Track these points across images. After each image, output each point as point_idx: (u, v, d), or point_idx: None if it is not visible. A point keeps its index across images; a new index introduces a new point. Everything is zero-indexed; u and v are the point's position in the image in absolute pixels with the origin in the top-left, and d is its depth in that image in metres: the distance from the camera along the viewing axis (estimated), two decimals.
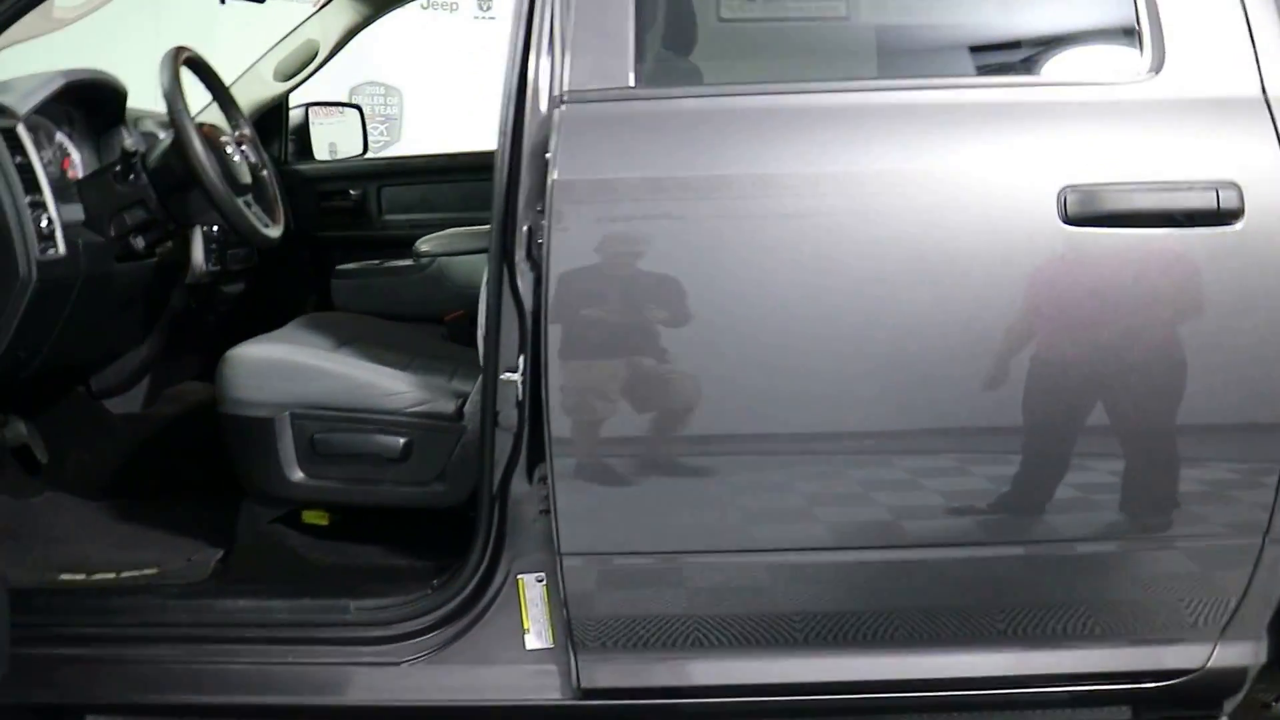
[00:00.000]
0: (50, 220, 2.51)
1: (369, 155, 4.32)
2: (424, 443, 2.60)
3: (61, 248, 2.53)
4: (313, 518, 2.78)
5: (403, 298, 3.37)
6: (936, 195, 2.05)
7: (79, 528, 2.96)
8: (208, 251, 3.16)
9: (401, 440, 2.59)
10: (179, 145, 2.59)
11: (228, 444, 2.66)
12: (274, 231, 2.83)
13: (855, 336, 2.07)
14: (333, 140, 4.32)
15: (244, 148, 2.92)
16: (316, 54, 3.84)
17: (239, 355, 2.63)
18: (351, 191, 4.04)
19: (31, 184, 2.49)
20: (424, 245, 3.48)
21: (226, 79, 3.15)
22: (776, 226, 2.07)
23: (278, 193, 2.99)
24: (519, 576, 2.30)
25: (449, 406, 2.60)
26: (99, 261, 2.67)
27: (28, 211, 2.45)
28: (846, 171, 2.07)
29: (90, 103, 2.95)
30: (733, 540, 2.20)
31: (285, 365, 2.61)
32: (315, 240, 3.99)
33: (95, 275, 2.65)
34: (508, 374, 2.19)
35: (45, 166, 2.56)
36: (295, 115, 4.10)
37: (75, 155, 2.90)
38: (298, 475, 2.62)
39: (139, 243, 2.76)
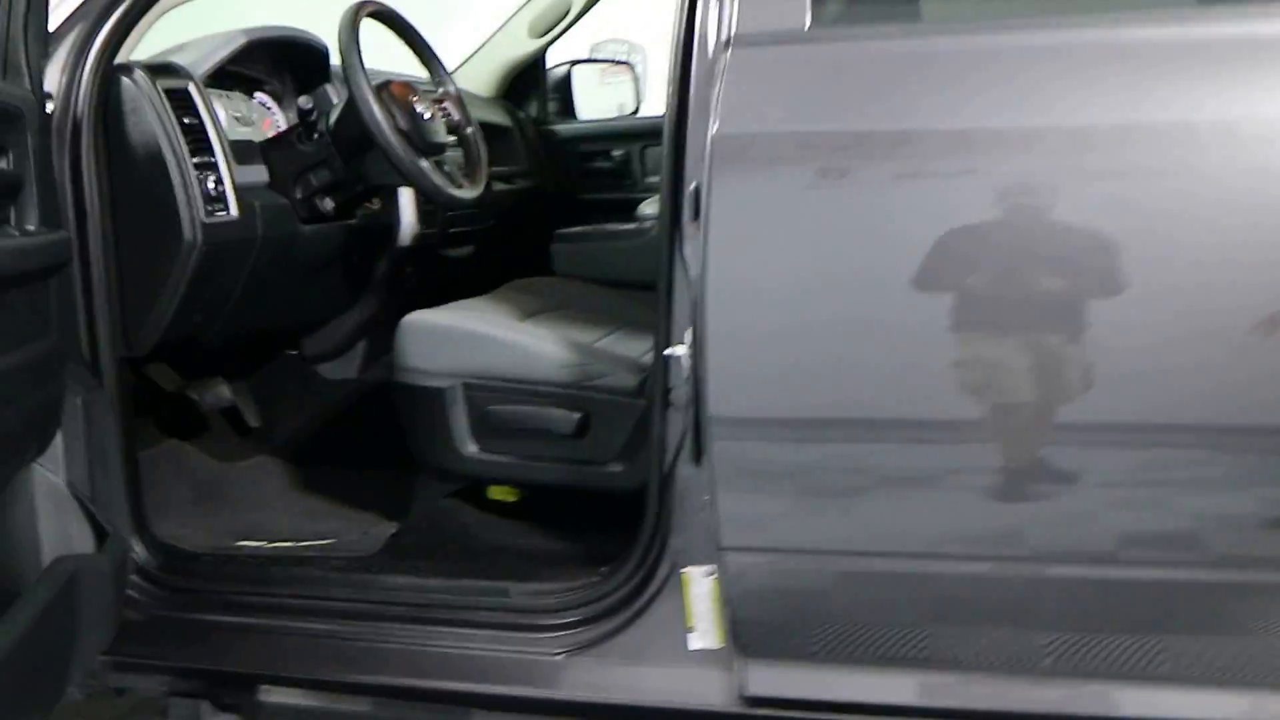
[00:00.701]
0: (220, 182, 2.44)
1: (623, 115, 4.14)
2: (602, 419, 2.39)
3: (233, 210, 2.45)
4: (499, 494, 2.63)
5: (622, 263, 3.16)
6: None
7: (274, 495, 2.92)
8: (422, 213, 3.05)
9: (577, 415, 2.39)
10: (352, 103, 2.47)
11: (401, 414, 2.53)
12: (467, 192, 2.68)
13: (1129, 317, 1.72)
14: (622, 100, 4.19)
15: (444, 105, 2.78)
16: (569, 10, 3.73)
17: (413, 322, 2.49)
18: (614, 152, 3.91)
19: (202, 145, 2.43)
20: (647, 208, 3.27)
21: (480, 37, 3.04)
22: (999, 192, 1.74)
23: (481, 152, 2.83)
24: (684, 570, 2.06)
25: (632, 380, 2.38)
26: (280, 224, 2.58)
27: (193, 173, 2.37)
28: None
29: (295, 62, 2.88)
30: (934, 542, 1.89)
31: (458, 333, 2.46)
32: (575, 203, 3.87)
33: (276, 238, 2.57)
34: (676, 347, 1.96)
35: (221, 127, 2.50)
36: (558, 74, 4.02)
37: (278, 115, 2.84)
38: (470, 449, 2.46)
39: (326, 205, 2.67)
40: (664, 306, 1.97)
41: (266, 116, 2.81)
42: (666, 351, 1.96)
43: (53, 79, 2.26)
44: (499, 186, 3.44)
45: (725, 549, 1.95)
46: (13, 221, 2.02)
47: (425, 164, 2.55)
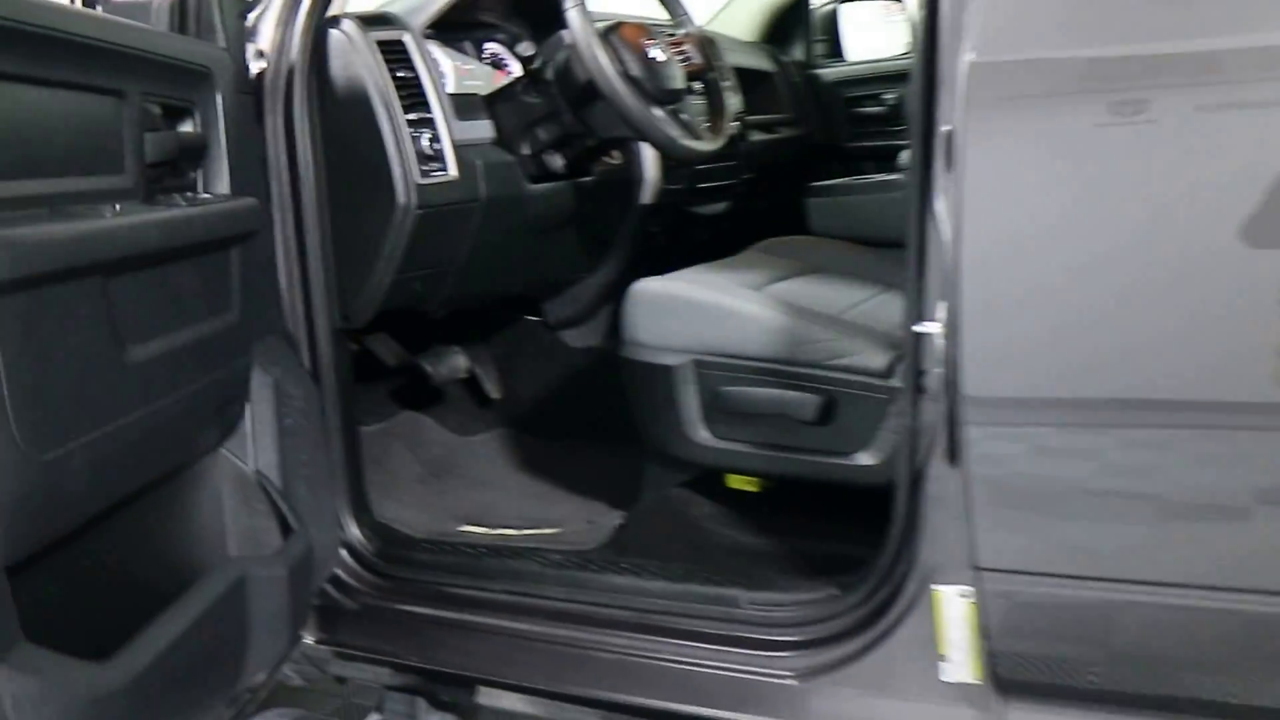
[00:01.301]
0: (437, 139, 2.25)
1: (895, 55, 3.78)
2: (849, 404, 2.07)
3: (451, 169, 2.26)
4: (738, 482, 2.35)
5: (880, 219, 2.82)
6: None
7: (505, 473, 2.74)
8: (666, 168, 2.80)
9: (818, 399, 2.09)
10: (575, 49, 2.23)
11: (628, 393, 2.29)
12: (705, 144, 2.40)
13: None
14: (898, 40, 3.86)
15: (683, 48, 2.51)
16: None
17: (641, 291, 2.24)
18: (885, 96, 3.57)
19: (417, 100, 2.24)
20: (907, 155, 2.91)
21: None
22: None
23: (727, 100, 2.55)
24: (936, 588, 1.74)
25: (882, 360, 2.07)
26: (505, 183, 2.38)
27: (406, 131, 2.20)
28: None
29: (531, 7, 2.67)
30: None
31: (688, 304, 2.19)
32: (842, 153, 3.56)
33: (502, 199, 2.37)
34: (928, 323, 1.64)
35: (442, 80, 2.31)
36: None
37: (513, 66, 2.64)
38: (701, 434, 2.19)
39: (555, 161, 2.45)
40: (914, 273, 1.66)
41: (500, 67, 2.61)
42: (917, 327, 1.65)
43: (266, 35, 2.12)
44: (757, 137, 3.16)
45: (983, 569, 1.63)
46: (200, 187, 1.89)
47: (658, 113, 2.28)
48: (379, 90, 2.19)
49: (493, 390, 2.89)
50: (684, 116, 2.43)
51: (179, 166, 1.86)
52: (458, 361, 2.73)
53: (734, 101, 2.58)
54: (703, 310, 2.16)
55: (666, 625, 1.97)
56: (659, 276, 2.27)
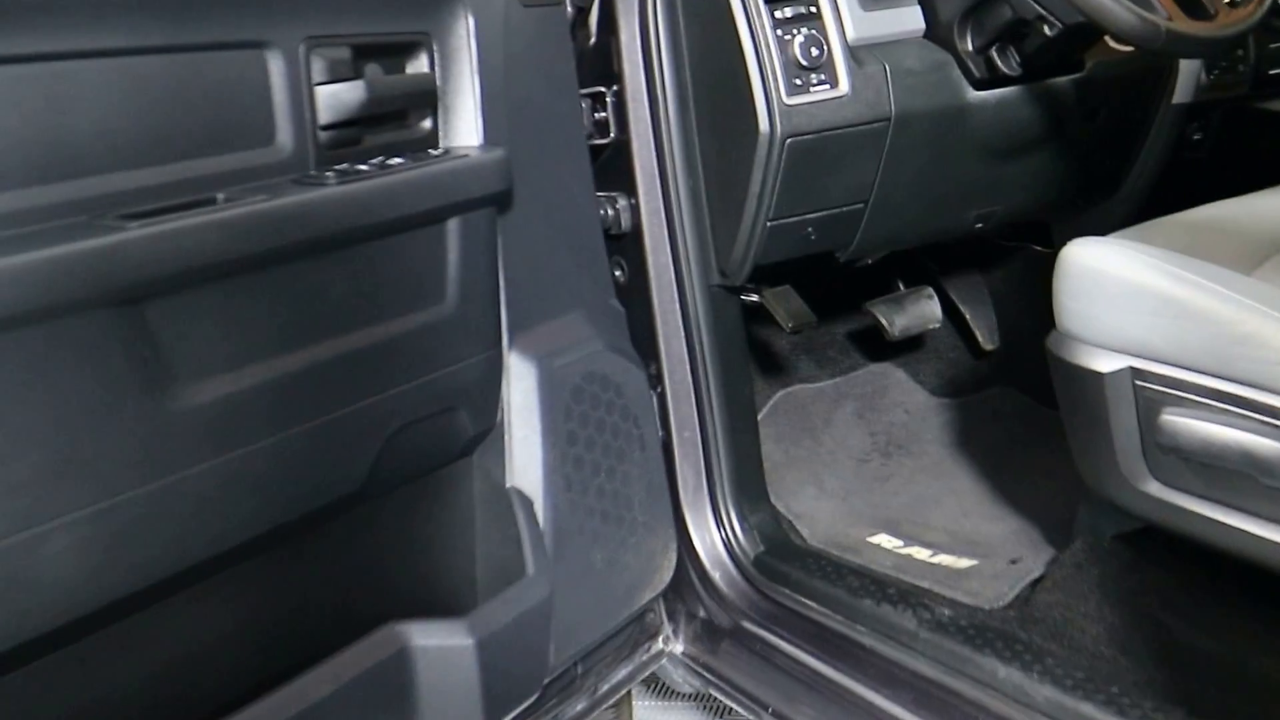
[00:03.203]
0: (820, 42, 1.68)
1: None
2: None
3: (842, 82, 1.69)
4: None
5: None
6: None
7: (964, 455, 2.11)
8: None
9: None
10: None
11: (1058, 397, 1.60)
12: (1211, 28, 1.60)
13: None
14: None
15: None
16: None
17: (1075, 258, 1.52)
18: None
19: None
20: None
21: None
22: None
23: None
24: None
25: None
26: (933, 92, 1.75)
27: (770, 32, 1.65)
28: None
29: None
30: None
31: (1129, 285, 1.45)
32: None
33: (928, 113, 1.74)
34: None
35: None
36: None
37: None
38: (1142, 477, 1.47)
39: (1010, 61, 1.77)
40: None
41: None
42: None
43: None
44: None
45: None
46: (441, 143, 1.51)
47: None
48: None
49: (985, 339, 2.27)
50: None
51: (408, 117, 1.50)
52: (927, 309, 2.13)
53: None
54: (1142, 295, 1.42)
55: None
56: (1106, 238, 1.53)
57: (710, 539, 1.87)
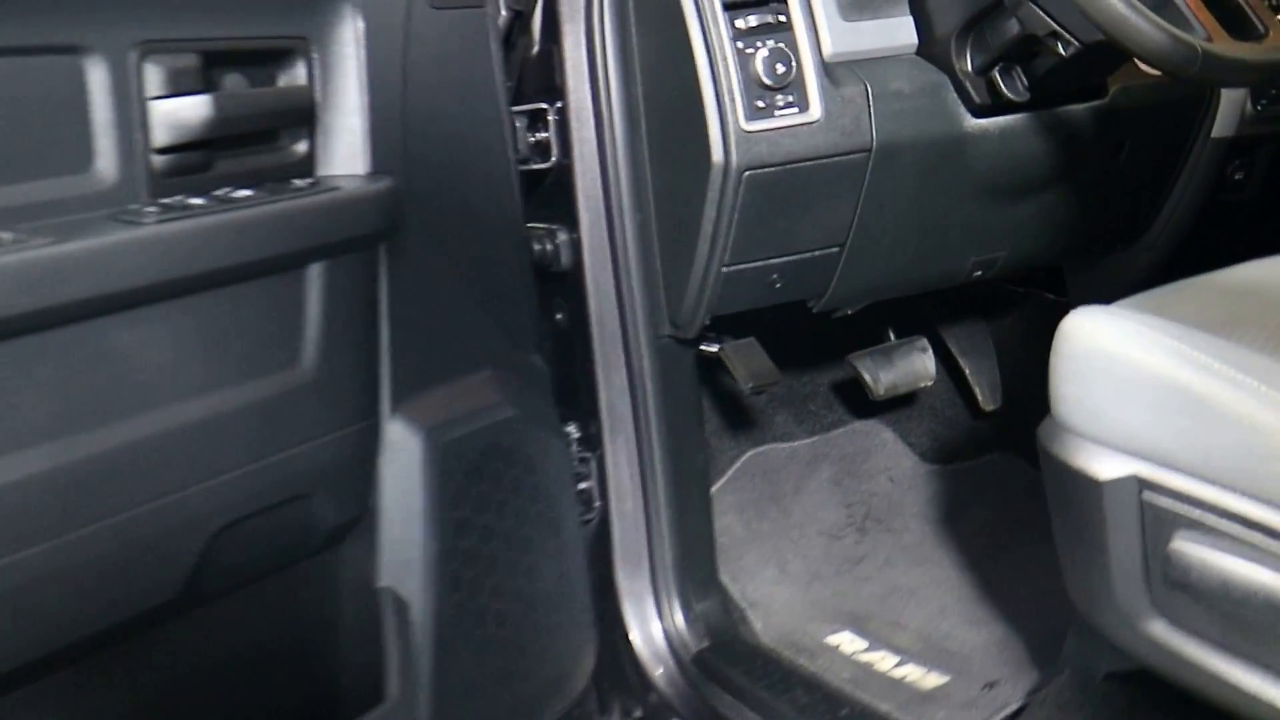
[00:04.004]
0: (789, 58, 1.41)
1: None
2: None
3: (813, 104, 1.42)
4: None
5: None
6: None
7: (951, 547, 1.83)
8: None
9: None
10: None
11: (1049, 498, 1.32)
12: (1232, 49, 1.31)
13: None
14: None
15: None
16: None
17: (1073, 331, 1.24)
18: None
19: None
20: None
21: None
22: None
23: None
24: None
25: None
26: (923, 118, 1.48)
27: (730, 45, 1.39)
28: None
29: None
30: None
31: (1140, 371, 1.16)
32: None
33: (916, 142, 1.48)
34: None
35: None
36: None
37: None
38: (1143, 613, 1.18)
39: (1016, 84, 1.50)
40: None
41: None
42: None
43: None
44: None
45: None
46: (318, 170, 1.26)
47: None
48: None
49: (986, 398, 1.99)
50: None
51: (278, 138, 1.25)
52: (919, 364, 1.86)
53: None
54: (1161, 384, 1.14)
55: None
56: (1118, 304, 1.26)
57: (650, 629, 1.62)
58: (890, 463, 1.99)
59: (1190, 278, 1.37)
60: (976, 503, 1.92)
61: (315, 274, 1.20)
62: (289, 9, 1.24)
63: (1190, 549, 1.13)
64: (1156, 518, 1.15)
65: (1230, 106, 1.69)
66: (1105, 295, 1.85)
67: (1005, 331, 2.05)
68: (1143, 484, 1.16)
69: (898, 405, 2.02)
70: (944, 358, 2.03)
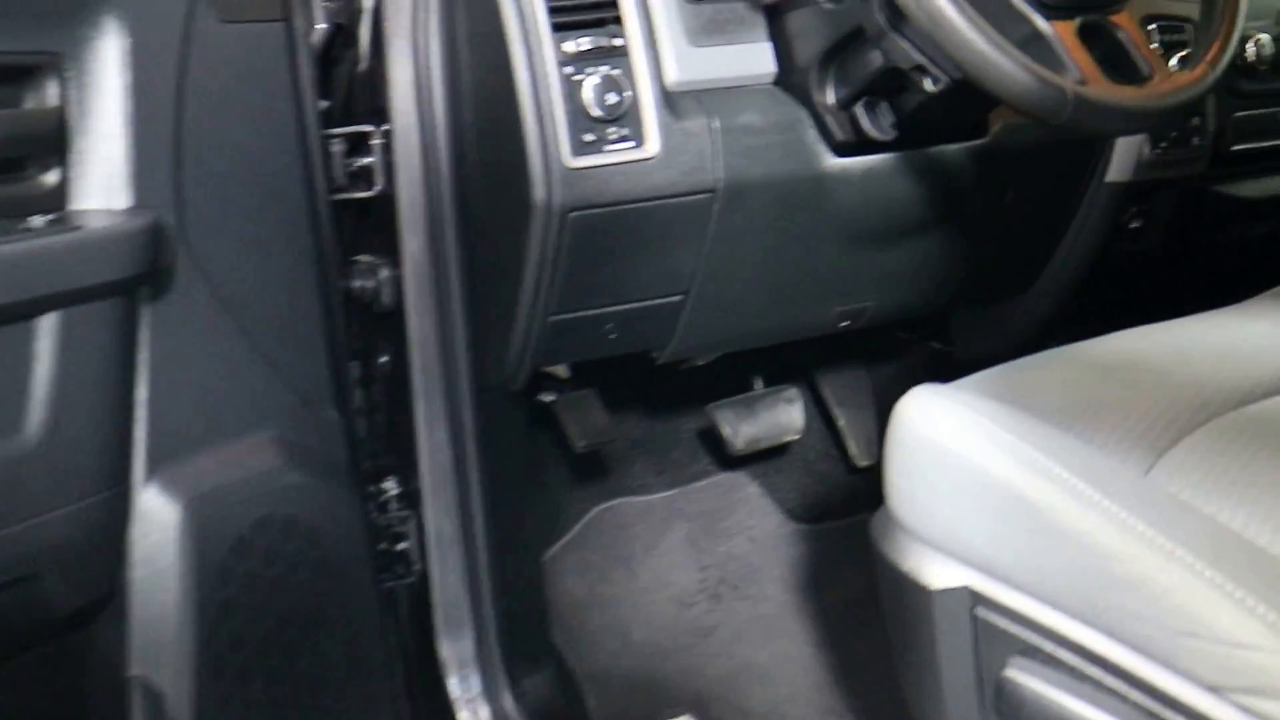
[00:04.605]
0: (623, 88, 1.26)
1: None
2: None
3: (650, 141, 1.27)
4: None
5: None
6: None
7: (810, 620, 1.69)
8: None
9: None
10: None
11: (880, 596, 1.18)
12: (1109, 93, 1.17)
13: None
14: None
15: None
16: None
17: (906, 416, 1.10)
18: None
19: (594, 13, 1.26)
20: None
21: None
22: None
23: (1232, 20, 1.27)
24: None
25: None
26: (778, 156, 1.32)
27: (556, 71, 1.24)
28: None
29: None
30: None
31: (973, 470, 1.03)
32: None
33: (769, 182, 1.33)
34: None
35: None
36: None
37: None
38: None
39: (881, 121, 1.35)
40: None
41: None
42: None
43: None
44: None
45: None
46: (69, 203, 1.10)
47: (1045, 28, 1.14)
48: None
49: (860, 452, 1.86)
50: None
51: (24, 167, 1.09)
52: (785, 416, 1.72)
53: (1244, 5, 1.27)
54: (995, 488, 1.00)
55: None
56: (959, 382, 1.12)
57: (474, 710, 1.47)
58: (752, 520, 1.84)
59: (1055, 349, 1.23)
60: (842, 568, 1.77)
61: (48, 326, 1.04)
62: (38, 22, 1.08)
63: (1024, 679, 0.99)
64: (990, 638, 1.01)
65: (1127, 149, 1.54)
66: (992, 346, 1.74)
67: (886, 381, 1.90)
68: (976, 598, 1.02)
69: (766, 457, 1.87)
70: (819, 409, 1.89)
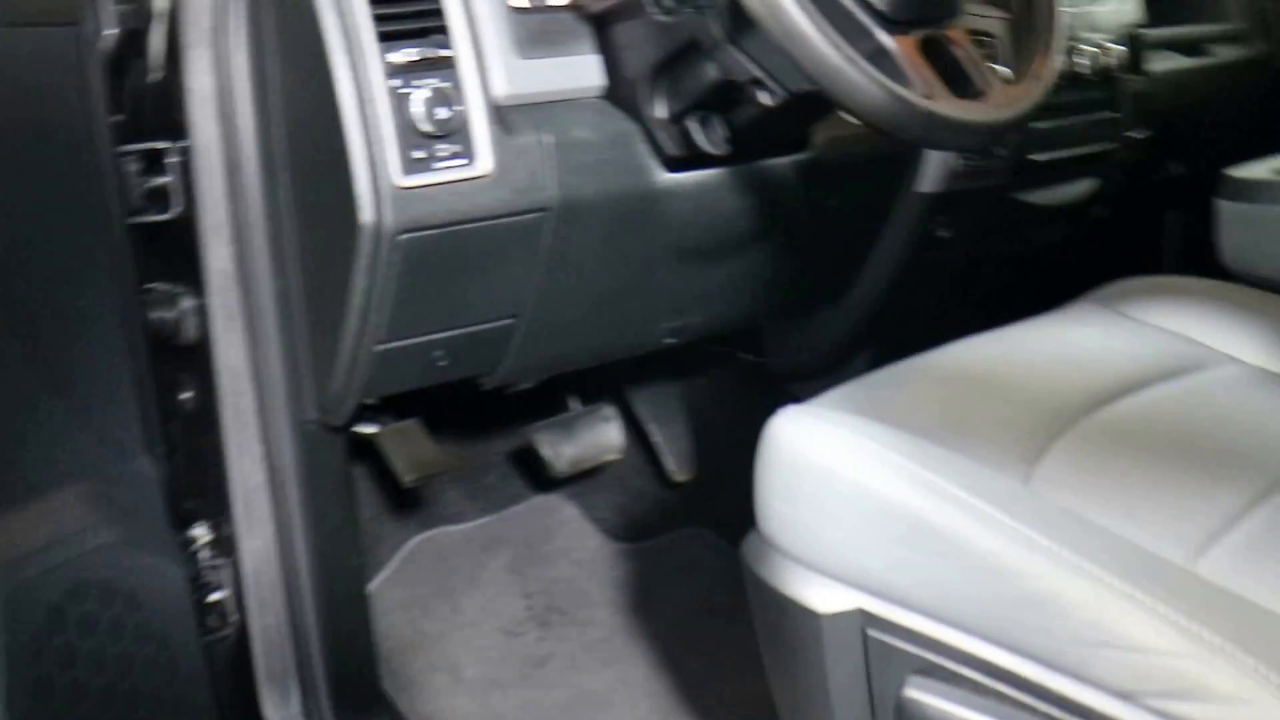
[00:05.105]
0: (452, 101, 1.20)
1: None
2: None
3: (482, 156, 1.21)
4: None
5: None
6: None
7: (644, 641, 1.67)
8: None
9: None
10: None
11: (756, 624, 1.16)
12: (956, 109, 1.19)
13: None
14: None
15: None
16: None
17: (781, 438, 1.09)
18: None
19: (419, 23, 1.19)
20: None
21: None
22: None
23: (1052, 33, 1.32)
24: None
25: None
26: (611, 172, 1.28)
27: (382, 85, 1.16)
28: None
29: None
30: None
31: (865, 495, 1.01)
32: None
33: (602, 200, 1.28)
34: None
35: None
36: None
37: None
38: None
39: (713, 134, 1.33)
40: None
41: None
42: None
43: None
44: (1164, 65, 1.83)
45: None
46: None
47: (886, 42, 1.14)
48: (337, 11, 1.17)
49: (676, 468, 1.84)
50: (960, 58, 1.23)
51: None
52: (604, 435, 1.69)
53: (1065, 19, 1.32)
54: (890, 513, 0.99)
55: None
56: (820, 399, 1.10)
57: None
58: (573, 543, 1.80)
59: (901, 362, 1.23)
60: (669, 585, 1.75)
61: None
62: None
63: (925, 697, 0.98)
64: (885, 658, 1.00)
65: (939, 160, 1.57)
66: (804, 356, 1.74)
67: (697, 394, 1.89)
68: (867, 619, 1.01)
69: (581, 477, 1.83)
70: (631, 426, 1.86)
